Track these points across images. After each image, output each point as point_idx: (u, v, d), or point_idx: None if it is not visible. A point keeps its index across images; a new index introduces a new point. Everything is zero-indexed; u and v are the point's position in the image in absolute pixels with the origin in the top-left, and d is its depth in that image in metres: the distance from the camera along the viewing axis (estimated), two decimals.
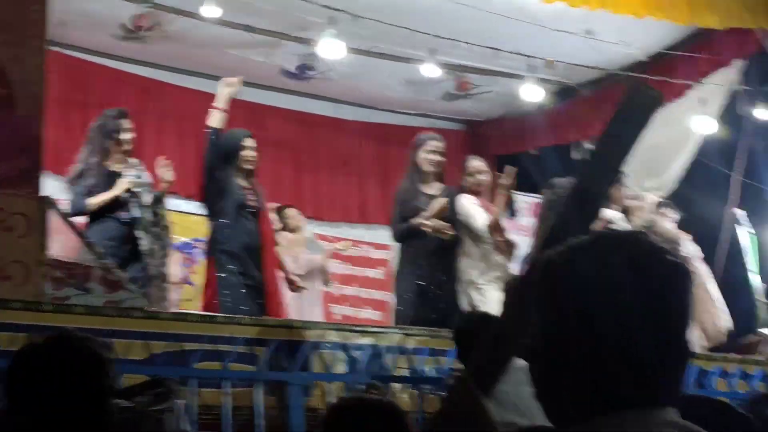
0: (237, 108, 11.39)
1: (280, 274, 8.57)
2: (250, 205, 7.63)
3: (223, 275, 7.36)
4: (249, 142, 7.77)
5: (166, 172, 7.81)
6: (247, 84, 11.28)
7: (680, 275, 1.55)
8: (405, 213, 7.88)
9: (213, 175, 7.52)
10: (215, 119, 7.63)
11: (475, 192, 8.03)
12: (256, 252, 7.57)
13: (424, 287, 7.69)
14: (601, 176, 2.43)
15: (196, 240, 10.57)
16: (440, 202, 7.71)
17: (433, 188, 7.98)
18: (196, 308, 7.80)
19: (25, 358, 2.69)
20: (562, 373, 1.54)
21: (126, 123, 7.84)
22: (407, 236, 7.91)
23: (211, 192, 7.57)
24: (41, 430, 2.53)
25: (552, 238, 2.34)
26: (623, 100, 2.42)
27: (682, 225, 9.42)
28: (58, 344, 2.65)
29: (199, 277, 10.66)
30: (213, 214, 7.61)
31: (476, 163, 8.21)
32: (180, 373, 5.54)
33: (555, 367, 1.56)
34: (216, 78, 11.24)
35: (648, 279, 1.52)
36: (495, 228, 7.75)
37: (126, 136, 7.81)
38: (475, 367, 2.43)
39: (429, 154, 7.95)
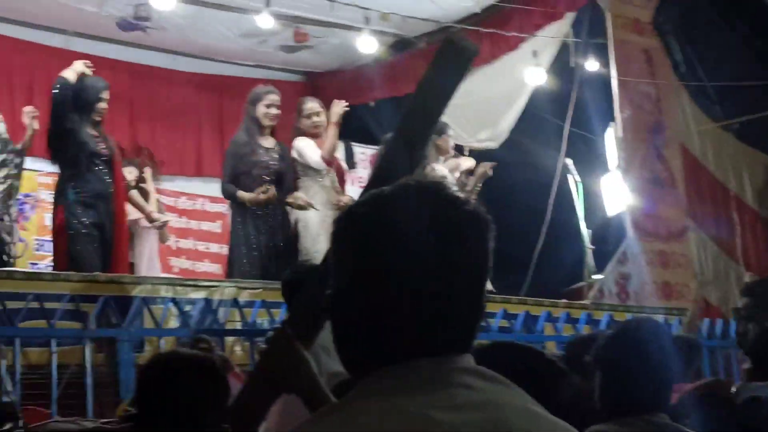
0: (70, 60, 11.14)
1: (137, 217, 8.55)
2: (103, 153, 7.50)
3: (74, 226, 7.21)
4: (106, 94, 7.65)
5: (32, 120, 7.62)
6: (80, 35, 11.08)
7: (477, 225, 1.56)
8: (241, 167, 7.83)
9: (64, 124, 7.34)
10: (70, 74, 7.49)
11: (312, 134, 8.04)
12: (108, 200, 7.46)
13: (257, 241, 7.69)
14: (417, 125, 2.43)
15: (26, 195, 10.29)
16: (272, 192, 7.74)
17: (269, 142, 7.96)
18: (26, 265, 7.61)
19: None
20: (359, 322, 1.55)
21: None
22: (234, 195, 7.92)
23: (62, 141, 7.39)
24: None
25: (373, 186, 2.35)
26: (437, 51, 2.42)
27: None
28: None
29: (29, 234, 10.41)
30: (63, 163, 7.46)
31: (312, 104, 8.20)
32: (3, 333, 5.40)
33: (352, 315, 1.56)
34: (48, 29, 11.03)
35: (444, 228, 1.52)
36: (329, 161, 7.84)
37: None
38: (297, 316, 2.43)
39: (268, 108, 7.90)
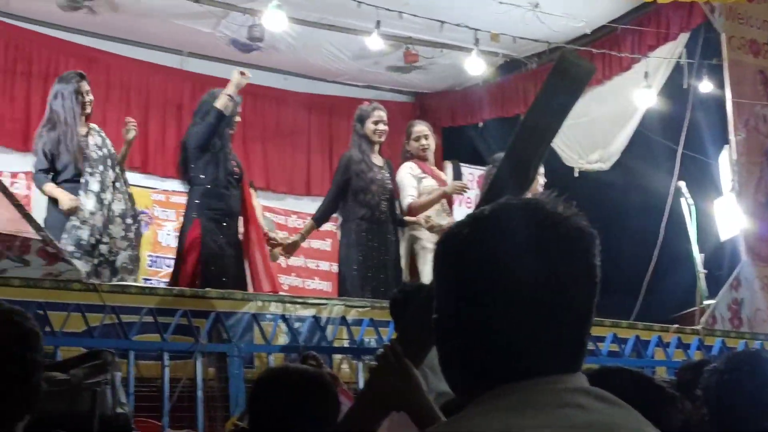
0: (184, 79, 11.42)
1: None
2: (236, 171, 7.64)
3: (209, 243, 7.31)
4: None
5: (130, 130, 7.72)
6: (193, 55, 11.33)
7: (582, 239, 1.53)
8: (359, 183, 7.85)
9: (215, 143, 7.47)
10: (233, 90, 7.63)
11: (419, 157, 8.10)
12: (237, 218, 7.57)
13: (366, 260, 7.72)
14: (530, 145, 2.41)
15: (140, 212, 10.49)
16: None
17: (379, 160, 7.99)
18: (139, 280, 7.73)
19: None
20: (467, 343, 1.53)
21: (86, 85, 7.69)
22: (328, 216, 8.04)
23: (203, 159, 7.49)
24: None
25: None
26: (552, 69, 2.40)
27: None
28: None
29: (142, 250, 10.61)
30: (200, 181, 7.51)
31: (420, 128, 8.27)
32: (118, 346, 5.51)
33: (459, 336, 1.54)
34: (163, 49, 11.28)
35: (548, 244, 1.50)
36: (414, 214, 7.87)
37: (89, 98, 7.69)
38: (406, 335, 2.43)
39: (375, 124, 7.93)
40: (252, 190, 9.68)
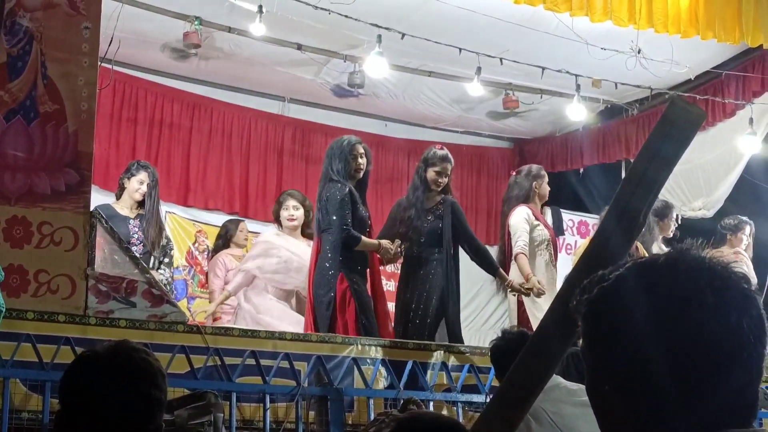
0: (285, 125, 11.59)
1: None
2: (369, 224, 7.67)
3: (360, 295, 7.31)
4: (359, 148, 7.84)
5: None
6: (294, 101, 11.50)
7: (751, 298, 1.54)
8: (401, 227, 7.87)
9: (356, 210, 7.51)
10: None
11: (541, 200, 8.37)
12: (366, 267, 7.60)
13: (401, 301, 7.79)
14: (639, 192, 2.39)
15: None
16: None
17: (433, 201, 7.93)
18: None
19: (82, 364, 2.69)
20: (659, 400, 1.51)
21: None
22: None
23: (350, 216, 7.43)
24: None
25: (592, 255, 2.31)
26: (662, 116, 2.38)
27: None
28: (115, 353, 2.65)
29: None
30: (336, 232, 7.39)
31: (545, 173, 8.44)
32: (221, 388, 5.58)
33: (650, 393, 1.52)
34: (265, 95, 11.47)
35: (723, 302, 1.50)
36: (516, 255, 7.92)
37: None
38: (510, 384, 2.41)
39: (438, 175, 7.87)
40: None
